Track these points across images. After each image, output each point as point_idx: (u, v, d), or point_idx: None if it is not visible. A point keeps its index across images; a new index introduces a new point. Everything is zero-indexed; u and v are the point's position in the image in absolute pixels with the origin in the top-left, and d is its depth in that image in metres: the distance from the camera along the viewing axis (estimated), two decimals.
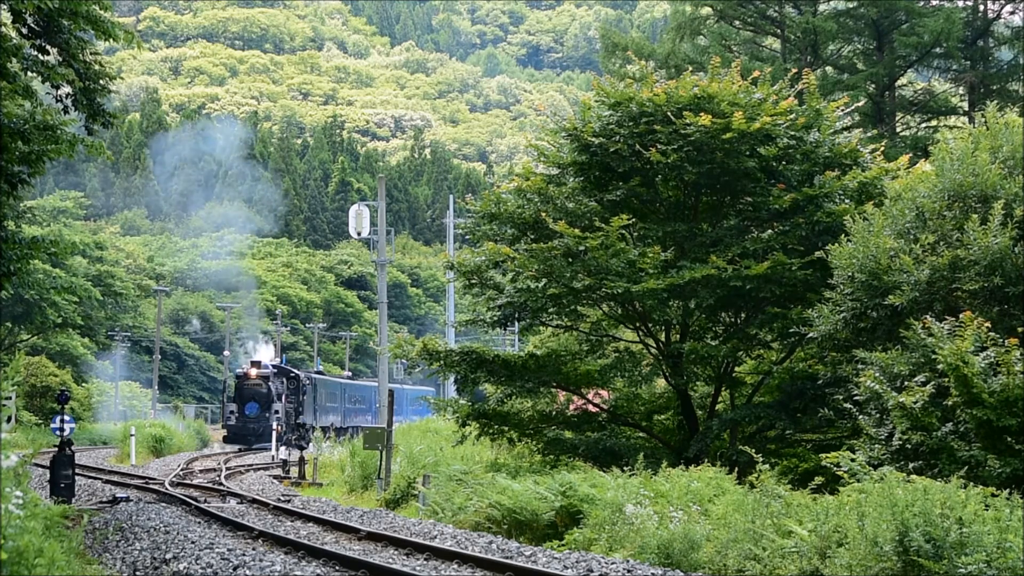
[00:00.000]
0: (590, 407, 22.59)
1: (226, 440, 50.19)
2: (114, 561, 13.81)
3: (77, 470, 23.27)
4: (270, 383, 49.93)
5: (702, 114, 19.11)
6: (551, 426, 21.85)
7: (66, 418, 22.25)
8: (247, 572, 12.77)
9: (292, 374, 52.62)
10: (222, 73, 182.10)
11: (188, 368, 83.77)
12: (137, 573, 13.09)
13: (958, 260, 15.35)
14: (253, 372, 50.38)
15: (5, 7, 16.66)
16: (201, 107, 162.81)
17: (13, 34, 17.31)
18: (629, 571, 12.87)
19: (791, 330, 19.13)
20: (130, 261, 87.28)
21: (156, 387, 69.37)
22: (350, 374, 76.85)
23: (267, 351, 67.32)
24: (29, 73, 17.60)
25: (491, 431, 22.02)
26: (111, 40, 17.81)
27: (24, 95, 17.65)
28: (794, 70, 23.74)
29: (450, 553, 14.31)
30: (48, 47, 17.66)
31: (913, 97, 37.26)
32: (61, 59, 17.76)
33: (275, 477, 31.56)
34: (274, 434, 42.26)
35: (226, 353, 74.64)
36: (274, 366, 52.60)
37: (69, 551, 10.96)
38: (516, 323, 22.42)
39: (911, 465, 13.71)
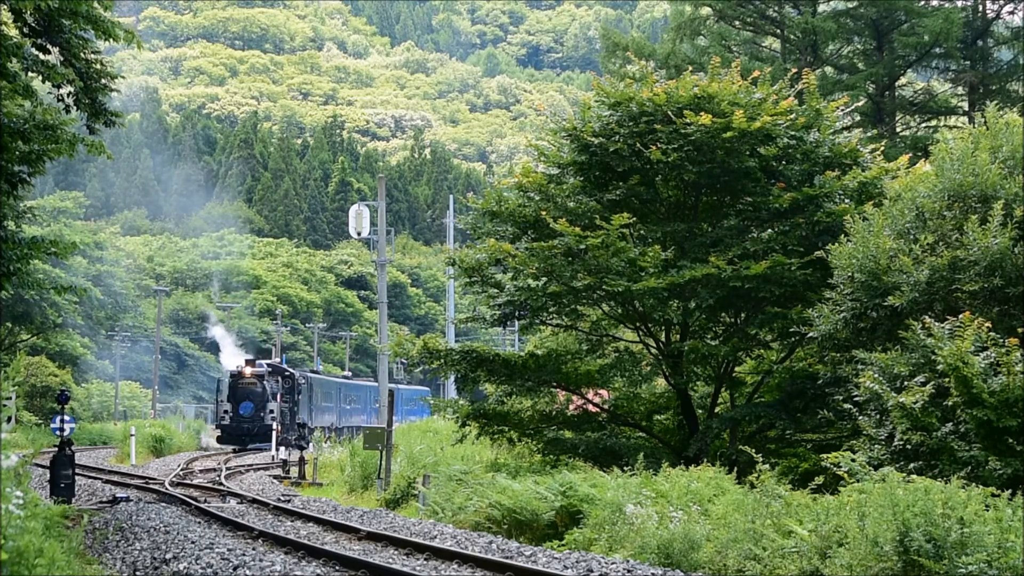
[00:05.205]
0: (590, 407, 22.60)
1: (220, 440, 49.92)
2: (114, 561, 13.81)
3: (77, 470, 23.25)
4: (265, 382, 49.64)
5: (702, 114, 19.12)
6: (551, 426, 21.85)
7: (66, 418, 22.24)
8: (247, 572, 12.77)
9: (287, 373, 52.39)
10: (222, 73, 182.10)
11: (188, 368, 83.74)
12: (137, 573, 13.08)
13: (958, 260, 15.35)
14: (247, 371, 50.12)
15: (5, 6, 16.65)
16: (201, 107, 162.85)
17: (13, 33, 17.31)
18: (629, 571, 12.87)
19: (791, 330, 19.15)
20: (130, 261, 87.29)
21: (156, 387, 69.35)
22: (350, 374, 76.77)
23: (228, 343, 67.18)
24: (30, 73, 17.59)
25: (491, 431, 22.02)
26: (111, 40, 17.81)
27: (24, 95, 17.64)
28: (794, 70, 23.74)
29: (450, 553, 14.30)
30: (49, 46, 17.66)
31: (913, 97, 37.25)
32: (62, 59, 17.76)
33: (275, 477, 31.55)
34: (274, 434, 42.19)
35: None
36: (268, 364, 52.36)
37: (69, 551, 10.97)
38: (516, 322, 22.43)
39: (911, 465, 13.71)
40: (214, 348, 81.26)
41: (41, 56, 17.57)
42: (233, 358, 62.55)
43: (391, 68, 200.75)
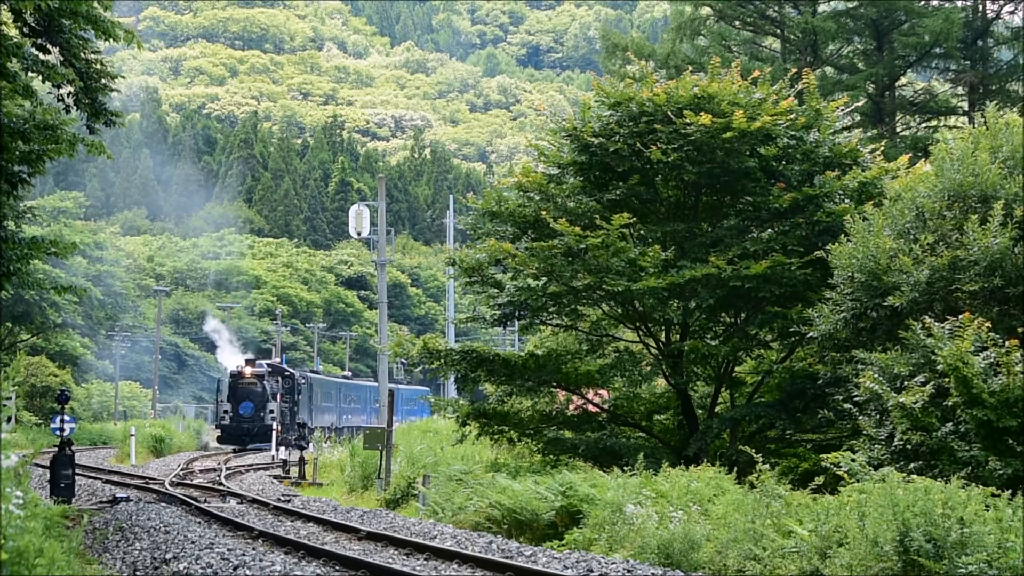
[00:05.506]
0: (590, 407, 22.60)
1: (220, 440, 49.96)
2: (114, 561, 13.81)
3: (77, 470, 23.25)
4: (265, 382, 49.67)
5: (702, 114, 19.12)
6: (551, 426, 21.85)
7: (66, 418, 22.24)
8: (247, 572, 12.77)
9: (287, 373, 52.41)
10: (222, 73, 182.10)
11: (188, 368, 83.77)
12: (137, 573, 13.09)
13: (958, 260, 15.35)
14: (248, 371, 50.15)
15: (5, 6, 16.65)
16: (201, 107, 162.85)
17: (13, 33, 17.31)
18: (629, 571, 12.87)
19: (791, 330, 19.15)
20: (130, 261, 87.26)
21: (156, 387, 69.36)
22: (350, 374, 76.77)
23: (224, 339, 67.50)
24: (30, 73, 17.60)
25: (491, 431, 22.02)
26: (111, 40, 17.81)
27: (24, 95, 17.64)
28: (794, 70, 23.73)
29: (450, 553, 14.30)
30: (49, 46, 17.66)
31: (913, 97, 37.26)
32: (62, 59, 17.76)
33: (275, 477, 31.56)
34: (274, 434, 42.20)
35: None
36: (268, 364, 52.39)
37: (69, 551, 10.97)
38: (516, 322, 22.43)
39: (911, 465, 13.71)
40: (213, 348, 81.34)
41: (41, 56, 17.56)
42: (231, 356, 62.60)
43: (391, 68, 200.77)
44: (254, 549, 14.98)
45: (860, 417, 15.06)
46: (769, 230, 19.74)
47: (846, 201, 19.50)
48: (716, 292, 19.32)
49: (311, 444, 43.58)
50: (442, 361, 21.65)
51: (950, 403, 13.86)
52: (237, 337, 77.14)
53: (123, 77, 20.50)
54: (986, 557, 10.83)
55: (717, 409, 21.14)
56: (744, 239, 19.81)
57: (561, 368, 21.40)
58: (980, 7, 35.86)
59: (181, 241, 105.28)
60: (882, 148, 21.61)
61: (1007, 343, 13.80)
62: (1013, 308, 15.25)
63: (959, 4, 36.03)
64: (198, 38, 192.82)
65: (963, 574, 10.79)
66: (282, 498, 23.47)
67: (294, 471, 31.93)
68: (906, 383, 14.48)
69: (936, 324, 14.41)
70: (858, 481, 12.92)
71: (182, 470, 33.45)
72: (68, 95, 18.19)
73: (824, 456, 14.35)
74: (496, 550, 14.82)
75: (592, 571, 12.94)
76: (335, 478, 30.00)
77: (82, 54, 17.99)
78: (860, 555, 11.54)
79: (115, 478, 29.68)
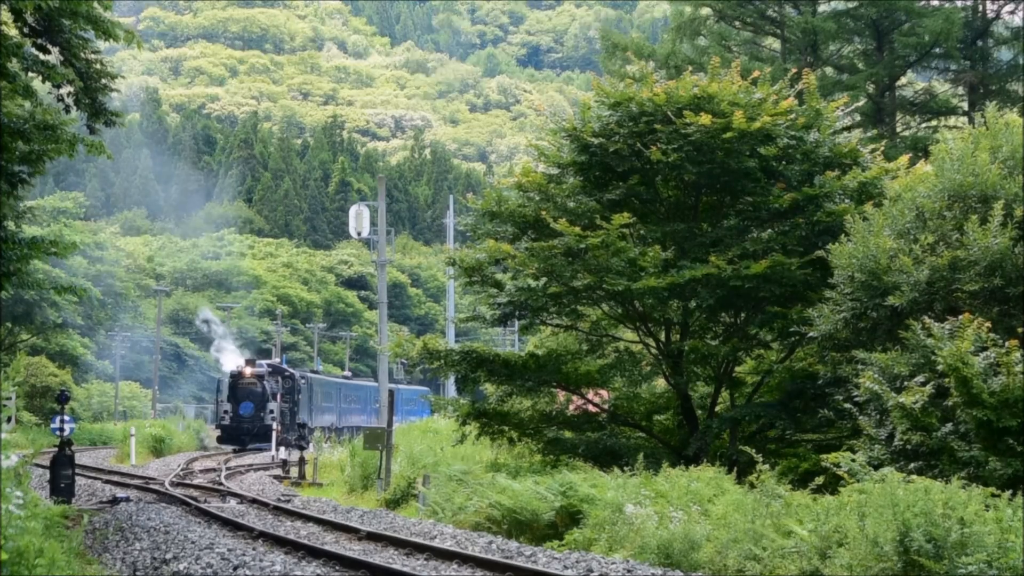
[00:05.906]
0: (590, 407, 22.60)
1: (220, 440, 49.97)
2: (114, 561, 13.81)
3: (77, 470, 23.25)
4: (265, 382, 49.68)
5: (702, 114, 19.11)
6: (551, 426, 21.85)
7: (66, 418, 22.24)
8: (247, 572, 12.78)
9: (287, 373, 52.42)
10: (222, 73, 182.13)
11: (188, 368, 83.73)
12: (137, 573, 13.08)
13: (958, 260, 15.36)
14: (248, 371, 50.16)
15: (5, 6, 16.66)
16: (201, 107, 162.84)
17: (13, 33, 17.32)
18: (629, 571, 12.87)
19: (791, 330, 19.15)
20: (130, 261, 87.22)
21: (156, 387, 69.34)
22: (350, 374, 76.78)
23: (218, 332, 67.65)
24: (30, 73, 17.60)
25: (491, 431, 22.03)
26: (111, 40, 17.82)
27: (24, 95, 17.64)
28: (794, 70, 23.71)
29: (450, 553, 14.31)
30: (49, 46, 17.67)
31: (913, 97, 37.25)
32: (62, 59, 17.77)
33: (275, 477, 31.56)
34: (274, 434, 42.20)
35: None
36: (268, 364, 52.39)
37: (69, 551, 10.97)
38: (516, 322, 22.44)
39: (911, 465, 13.72)
40: (209, 343, 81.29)
41: (41, 56, 17.57)
42: (228, 354, 62.61)
43: (391, 68, 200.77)
44: (254, 549, 14.99)
45: (860, 417, 15.06)
46: (769, 230, 19.75)
47: (846, 201, 19.51)
48: (716, 292, 19.32)
49: (311, 444, 43.58)
50: (442, 361, 21.65)
51: (950, 403, 13.86)
52: (237, 337, 77.11)
53: (123, 77, 20.51)
54: (986, 557, 10.83)
55: (717, 409, 21.14)
56: (744, 239, 19.81)
57: (561, 368, 21.40)
58: (980, 7, 35.85)
59: (181, 241, 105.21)
60: (882, 148, 21.61)
61: (1007, 343, 13.81)
62: (1013, 308, 15.26)
63: (959, 4, 36.04)
64: (198, 38, 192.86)
65: (963, 574, 10.79)
66: (282, 498, 23.47)
67: (294, 471, 31.93)
68: (906, 383, 14.49)
69: (936, 324, 14.42)
70: (858, 481, 12.92)
71: (182, 470, 33.45)
72: (68, 95, 18.20)
73: (824, 456, 14.35)
74: (496, 550, 14.82)
75: (592, 571, 12.95)
76: (335, 478, 30.00)
77: (82, 54, 17.99)
78: (860, 555, 11.54)
79: (115, 478, 29.68)
